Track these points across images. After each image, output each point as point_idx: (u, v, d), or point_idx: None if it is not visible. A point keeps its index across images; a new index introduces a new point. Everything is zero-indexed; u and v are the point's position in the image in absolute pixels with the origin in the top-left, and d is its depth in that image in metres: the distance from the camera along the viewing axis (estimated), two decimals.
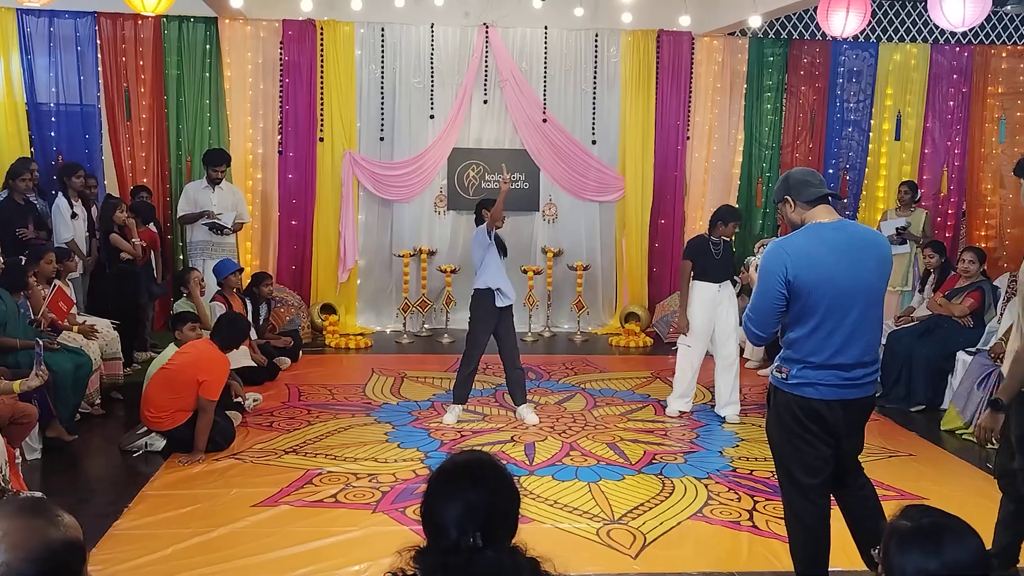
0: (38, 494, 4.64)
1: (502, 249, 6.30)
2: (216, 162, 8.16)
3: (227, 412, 5.95)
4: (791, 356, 3.41)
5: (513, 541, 1.91)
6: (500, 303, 6.20)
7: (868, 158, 9.79)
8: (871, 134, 9.77)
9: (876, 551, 1.97)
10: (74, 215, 7.44)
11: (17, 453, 4.86)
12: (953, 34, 9.21)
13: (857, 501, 3.63)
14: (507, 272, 9.55)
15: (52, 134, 8.77)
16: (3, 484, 4.35)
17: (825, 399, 3.36)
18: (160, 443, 5.52)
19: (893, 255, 4.19)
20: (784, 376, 3.42)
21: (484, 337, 6.26)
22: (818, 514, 3.49)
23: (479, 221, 6.32)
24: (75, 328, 6.44)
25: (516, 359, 6.36)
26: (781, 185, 3.52)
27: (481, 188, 9.55)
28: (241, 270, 7.58)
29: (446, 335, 9.15)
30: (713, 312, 6.44)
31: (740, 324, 6.42)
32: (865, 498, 3.63)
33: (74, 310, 6.68)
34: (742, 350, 8.10)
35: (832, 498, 3.59)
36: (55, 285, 6.45)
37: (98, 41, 8.78)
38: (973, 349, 6.71)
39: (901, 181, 9.08)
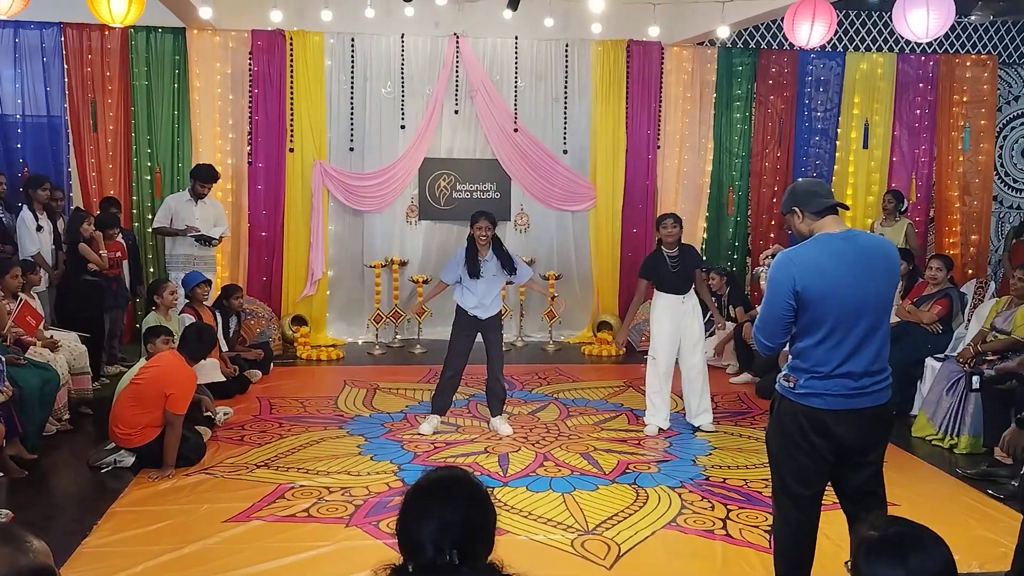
0: (5, 512, 4.56)
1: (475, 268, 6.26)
2: (206, 179, 8.06)
3: (197, 427, 5.88)
4: (799, 365, 3.40)
5: (490, 557, 1.91)
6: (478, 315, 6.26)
7: (836, 166, 9.92)
8: (839, 142, 9.90)
9: (847, 564, 1.99)
10: (39, 228, 7.34)
11: None
12: (919, 44, 9.36)
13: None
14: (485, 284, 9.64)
15: (18, 146, 8.67)
16: None
17: (833, 409, 3.34)
18: (129, 459, 5.43)
19: None
20: (791, 385, 3.41)
21: (458, 345, 6.31)
22: (807, 524, 3.50)
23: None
24: (39, 343, 6.34)
25: (496, 370, 6.38)
26: (788, 197, 3.51)
27: (452, 198, 9.55)
28: (209, 282, 7.50)
29: (418, 346, 9.12)
30: (678, 323, 6.39)
31: (706, 335, 6.52)
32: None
33: (42, 325, 6.58)
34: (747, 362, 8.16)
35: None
36: (21, 299, 6.35)
37: (64, 52, 8.69)
38: (942, 355, 6.80)
39: (885, 191, 9.20)
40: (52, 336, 6.54)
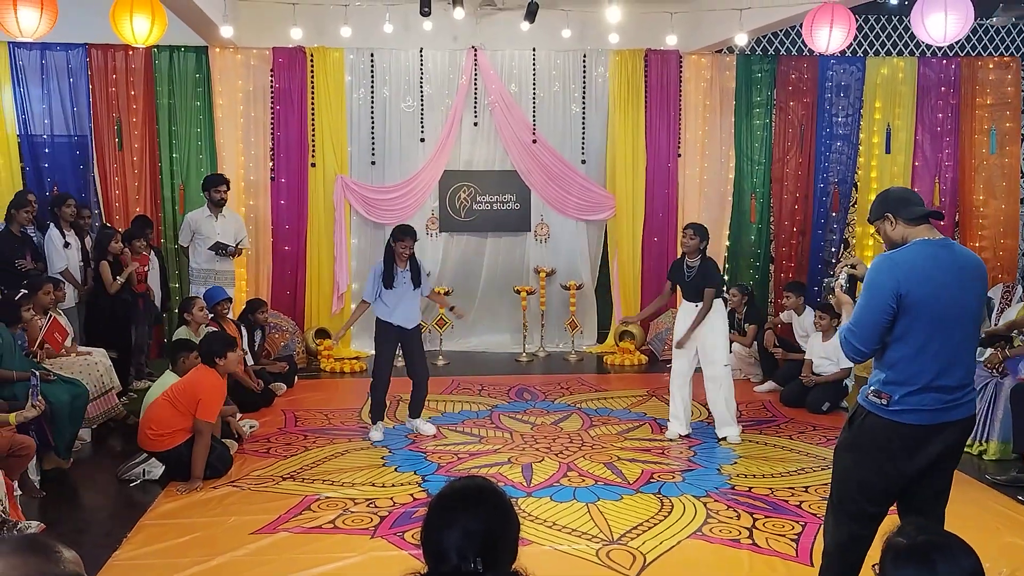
0: (36, 523, 4.63)
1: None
2: (216, 183, 8.16)
3: (224, 440, 5.94)
4: (893, 379, 3.26)
5: (513, 566, 1.92)
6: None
7: (859, 172, 9.86)
8: (861, 147, 9.84)
9: (875, 568, 1.98)
10: (67, 245, 7.45)
11: (16, 485, 4.83)
12: (940, 47, 9.29)
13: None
14: (501, 293, 9.67)
15: (45, 165, 8.80)
16: (3, 515, 4.34)
17: (931, 424, 3.24)
18: (158, 471, 5.50)
19: None
20: (885, 402, 3.27)
21: (384, 357, 6.53)
22: (866, 541, 3.40)
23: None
24: (74, 354, 6.46)
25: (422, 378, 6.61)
26: (880, 204, 3.40)
27: (473, 210, 9.59)
28: (230, 300, 7.57)
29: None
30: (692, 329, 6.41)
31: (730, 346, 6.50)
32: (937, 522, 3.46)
33: (69, 340, 6.68)
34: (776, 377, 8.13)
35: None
36: (51, 316, 6.45)
37: (89, 72, 8.82)
38: None
39: None
40: (78, 352, 6.65)
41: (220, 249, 8.07)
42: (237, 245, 8.28)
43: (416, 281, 6.44)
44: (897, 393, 3.23)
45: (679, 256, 6.62)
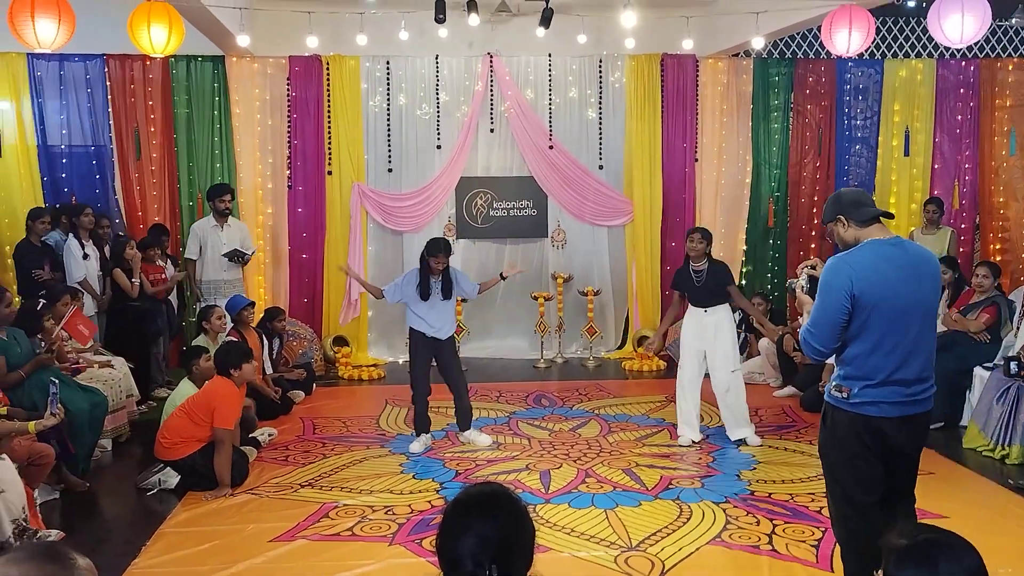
0: (56, 532, 4.66)
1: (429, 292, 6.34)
2: (220, 193, 8.23)
3: (242, 448, 5.96)
4: (852, 374, 3.40)
5: (529, 573, 1.91)
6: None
7: (878, 175, 9.78)
8: (880, 150, 9.77)
9: (877, 571, 1.96)
10: (85, 255, 7.51)
11: (36, 494, 4.87)
12: (958, 48, 9.22)
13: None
14: (518, 299, 9.65)
15: (64, 175, 8.87)
16: (23, 524, 4.37)
17: (888, 416, 3.38)
18: (173, 480, 5.52)
19: None
20: (845, 396, 3.42)
21: (419, 369, 6.43)
22: (874, 529, 3.49)
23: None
24: (96, 365, 6.51)
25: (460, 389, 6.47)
26: (832, 206, 3.52)
27: (490, 216, 9.60)
28: (253, 304, 7.62)
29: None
30: (699, 336, 6.38)
31: (737, 349, 6.46)
32: (907, 517, 3.62)
33: (94, 338, 6.74)
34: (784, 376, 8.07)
35: None
36: (72, 307, 6.49)
37: (107, 83, 8.90)
38: (990, 364, 6.65)
39: (927, 199, 9.05)
40: (99, 360, 6.69)
41: (237, 257, 8.12)
42: (251, 253, 8.34)
43: (446, 292, 6.32)
44: (856, 387, 3.39)
45: (683, 263, 6.57)
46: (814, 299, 3.48)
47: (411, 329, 6.40)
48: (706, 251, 6.37)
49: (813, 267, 3.73)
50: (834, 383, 3.49)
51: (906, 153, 9.72)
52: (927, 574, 1.81)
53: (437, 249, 6.26)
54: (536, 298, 9.43)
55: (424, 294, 6.25)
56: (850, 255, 3.40)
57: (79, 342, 6.57)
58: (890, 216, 3.56)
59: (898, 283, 3.32)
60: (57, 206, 8.21)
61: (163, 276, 7.95)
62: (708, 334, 6.34)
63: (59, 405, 4.82)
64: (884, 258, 3.35)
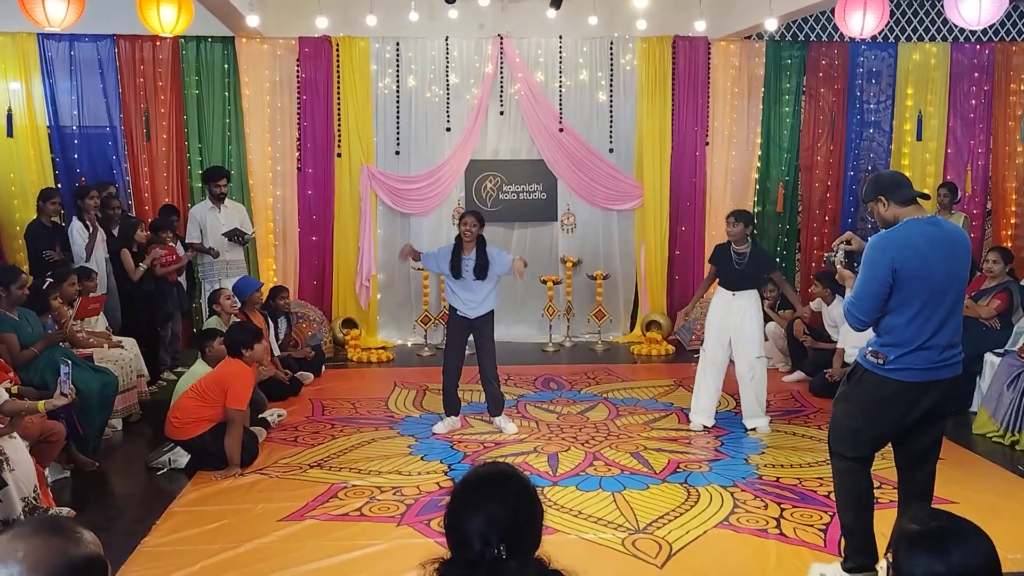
0: (67, 510, 4.69)
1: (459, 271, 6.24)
2: (216, 177, 8.23)
3: (252, 428, 5.99)
4: (890, 342, 3.70)
5: (537, 553, 1.90)
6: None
7: (890, 159, 9.71)
8: (892, 135, 9.70)
9: (888, 554, 1.95)
10: (90, 236, 7.52)
11: (46, 472, 4.91)
12: (973, 32, 9.12)
13: (917, 492, 3.91)
14: (527, 282, 9.62)
15: (75, 156, 8.88)
16: (34, 502, 4.40)
17: (920, 381, 3.67)
18: (183, 460, 5.56)
19: None
20: (881, 362, 3.71)
21: (453, 346, 6.38)
22: (868, 475, 3.92)
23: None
24: (106, 345, 6.54)
25: (488, 373, 6.37)
26: (873, 186, 3.80)
27: (499, 199, 9.57)
28: (261, 286, 7.63)
29: (467, 347, 9.12)
30: (725, 319, 6.29)
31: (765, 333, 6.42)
32: (923, 494, 3.91)
33: (103, 322, 6.76)
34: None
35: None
36: (79, 300, 6.54)
37: (118, 63, 8.88)
38: (1001, 351, 6.61)
39: (939, 184, 8.98)
40: (109, 341, 6.73)
41: (236, 236, 8.13)
42: (250, 234, 8.36)
43: (480, 272, 6.13)
44: (893, 354, 3.68)
45: (725, 242, 6.44)
46: (853, 272, 3.82)
47: (449, 304, 6.38)
48: (746, 233, 6.26)
49: (848, 242, 4.05)
50: (870, 349, 3.77)
51: (919, 138, 9.64)
52: (939, 561, 1.80)
53: (467, 213, 6.25)
54: (545, 282, 9.41)
55: (455, 271, 6.17)
56: (891, 233, 3.67)
57: (94, 316, 6.61)
58: (926, 197, 3.84)
59: (935, 259, 3.59)
60: (77, 185, 8.22)
61: (175, 257, 7.96)
62: (736, 319, 6.26)
63: (71, 386, 4.84)
64: (922, 236, 3.62)
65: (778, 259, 9.75)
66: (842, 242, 4.09)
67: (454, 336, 6.37)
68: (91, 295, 6.84)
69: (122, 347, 6.72)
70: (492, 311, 6.33)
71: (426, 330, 9.30)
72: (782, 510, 4.88)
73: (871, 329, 3.83)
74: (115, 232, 7.80)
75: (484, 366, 6.35)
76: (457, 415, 6.42)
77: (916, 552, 1.83)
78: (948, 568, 1.79)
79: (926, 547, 1.82)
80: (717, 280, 6.46)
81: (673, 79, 9.45)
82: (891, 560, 1.91)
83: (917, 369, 3.65)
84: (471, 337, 6.37)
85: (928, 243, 3.61)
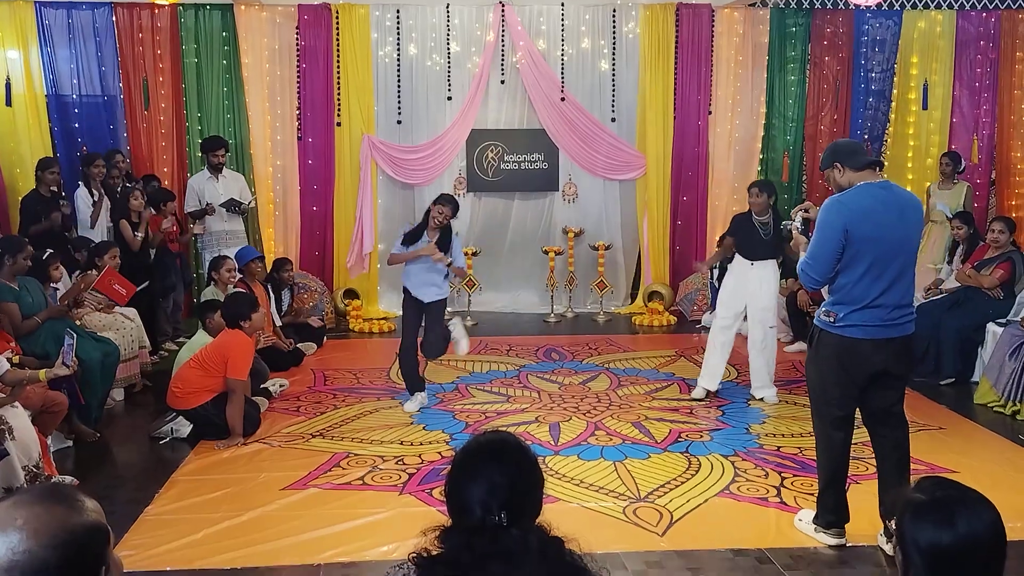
0: (70, 478, 4.71)
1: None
2: (214, 147, 8.18)
3: (254, 398, 6.00)
4: (839, 300, 3.87)
5: (538, 520, 1.90)
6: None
7: (894, 128, 9.64)
8: (897, 104, 9.61)
9: (891, 523, 1.94)
10: (95, 204, 7.49)
11: (49, 441, 4.92)
12: None
13: (889, 446, 4.06)
14: (528, 253, 9.57)
15: (76, 125, 8.81)
16: (36, 471, 4.42)
17: (870, 338, 3.83)
18: (186, 429, 5.58)
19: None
20: (832, 320, 3.89)
21: (407, 325, 6.25)
22: (844, 441, 4.07)
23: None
24: (104, 310, 6.53)
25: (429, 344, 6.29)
26: (829, 154, 3.98)
27: (500, 169, 9.51)
28: (262, 257, 7.61)
29: (469, 318, 9.14)
30: (741, 287, 6.28)
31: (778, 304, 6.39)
32: (897, 443, 4.06)
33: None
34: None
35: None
36: (106, 266, 6.50)
37: (116, 31, 8.79)
38: (1004, 320, 6.60)
39: (942, 152, 8.91)
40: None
41: (233, 206, 8.10)
42: (248, 203, 8.32)
43: (442, 247, 6.07)
44: (843, 311, 3.86)
45: (745, 214, 6.42)
46: (808, 239, 3.99)
47: (403, 286, 6.25)
48: (768, 204, 6.24)
49: (807, 211, 4.29)
50: (823, 309, 3.96)
51: (924, 107, 9.55)
52: (945, 530, 1.79)
53: (445, 200, 6.12)
54: (546, 252, 9.38)
55: (410, 239, 6.09)
56: (844, 195, 3.85)
57: (117, 302, 6.56)
58: (881, 164, 4.08)
59: (886, 221, 3.77)
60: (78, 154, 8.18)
61: (175, 228, 7.94)
62: (753, 288, 6.26)
63: (74, 358, 4.84)
64: (874, 198, 3.80)
65: (783, 231, 9.70)
66: (800, 210, 4.30)
67: (409, 318, 6.24)
68: (117, 273, 6.75)
69: (127, 317, 6.70)
70: (443, 300, 6.26)
71: None
72: (783, 479, 4.90)
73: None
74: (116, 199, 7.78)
75: (427, 350, 6.26)
76: (423, 391, 6.30)
77: (921, 521, 1.82)
78: (954, 537, 1.78)
79: (932, 516, 1.81)
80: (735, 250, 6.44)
81: (676, 47, 9.35)
82: (894, 529, 1.90)
83: (867, 326, 3.81)
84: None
85: (881, 205, 3.78)
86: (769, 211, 6.24)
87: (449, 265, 6.09)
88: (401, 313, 6.49)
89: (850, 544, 4.07)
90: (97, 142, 8.74)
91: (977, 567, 1.77)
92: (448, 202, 6.11)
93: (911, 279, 3.92)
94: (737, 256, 6.38)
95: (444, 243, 6.08)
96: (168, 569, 3.91)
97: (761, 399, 6.34)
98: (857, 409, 4.09)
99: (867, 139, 9.57)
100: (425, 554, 1.84)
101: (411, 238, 6.13)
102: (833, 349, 3.90)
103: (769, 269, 6.29)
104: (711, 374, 6.44)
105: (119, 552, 3.95)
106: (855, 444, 4.23)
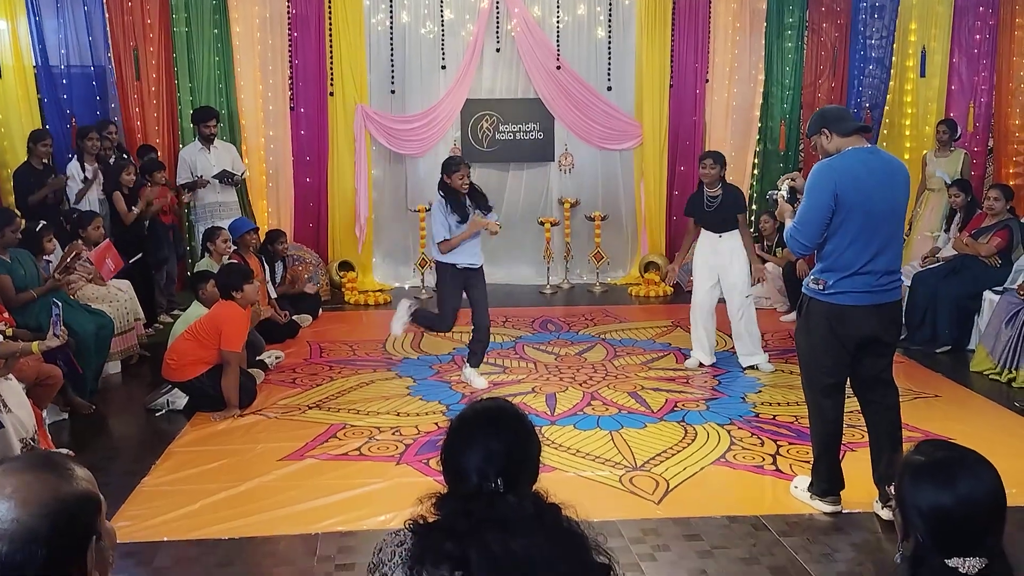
0: (66, 451, 4.70)
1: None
2: (205, 118, 8.09)
3: (250, 370, 5.99)
4: (828, 267, 3.87)
5: (535, 488, 1.89)
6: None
7: (892, 96, 9.57)
8: (895, 71, 9.53)
9: (890, 488, 1.93)
10: (85, 179, 7.43)
11: (44, 414, 4.91)
12: None
13: (880, 413, 4.06)
14: (524, 224, 9.52)
15: (65, 96, 8.70)
16: (32, 444, 4.40)
17: (859, 305, 3.83)
18: (181, 401, 5.57)
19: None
20: (821, 287, 3.89)
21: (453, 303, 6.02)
22: (834, 408, 4.06)
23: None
24: (94, 281, 6.49)
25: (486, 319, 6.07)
26: (816, 120, 3.95)
27: (496, 139, 9.44)
28: (256, 229, 7.57)
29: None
30: (712, 260, 6.30)
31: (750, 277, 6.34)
32: (887, 409, 4.06)
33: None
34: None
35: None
36: (106, 240, 6.47)
37: (104, 1, 8.66)
38: (1000, 288, 6.59)
39: (939, 120, 8.85)
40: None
41: (226, 177, 8.03)
42: (241, 175, 8.26)
43: (485, 208, 5.90)
44: (832, 279, 3.85)
45: (697, 188, 6.44)
46: (794, 208, 4.00)
47: (437, 262, 5.97)
48: (720, 175, 6.22)
49: (793, 179, 4.24)
50: (812, 277, 3.95)
51: (922, 74, 9.48)
52: (945, 492, 1.78)
53: (456, 164, 5.84)
54: (543, 223, 9.34)
55: (463, 215, 5.81)
56: (834, 160, 3.83)
57: (103, 276, 6.54)
58: (868, 129, 4.04)
59: (874, 186, 3.77)
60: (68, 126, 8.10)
61: (173, 199, 7.90)
62: (723, 260, 6.26)
63: (62, 327, 4.82)
64: (862, 163, 3.79)
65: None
66: (787, 178, 4.26)
67: (453, 296, 5.96)
68: (113, 248, 6.72)
69: (120, 289, 6.66)
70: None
71: (423, 273, 9.25)
72: (778, 447, 4.92)
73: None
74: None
75: (483, 319, 6.03)
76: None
77: (921, 483, 1.81)
78: (954, 499, 1.77)
79: (931, 478, 1.80)
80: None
81: (673, 13, 9.24)
82: (893, 492, 1.89)
83: (856, 292, 3.82)
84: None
85: (868, 170, 3.78)
86: (719, 184, 6.21)
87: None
88: (439, 293, 6.16)
89: (845, 511, 4.09)
90: (87, 114, 8.64)
91: (978, 528, 1.77)
92: (459, 164, 5.85)
93: (899, 245, 3.95)
94: (703, 231, 6.36)
95: (483, 205, 5.91)
96: (165, 539, 3.91)
97: (754, 367, 6.35)
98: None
99: (868, 107, 9.51)
100: (422, 521, 1.84)
101: (462, 211, 5.80)
102: (823, 317, 3.90)
103: (737, 240, 6.27)
104: (701, 347, 6.46)
105: (116, 523, 3.95)
106: (849, 412, 4.24)
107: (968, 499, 1.77)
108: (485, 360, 6.33)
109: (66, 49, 8.64)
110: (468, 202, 5.88)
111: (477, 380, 6.06)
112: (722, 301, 6.43)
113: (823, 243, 3.86)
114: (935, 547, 1.77)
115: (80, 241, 6.35)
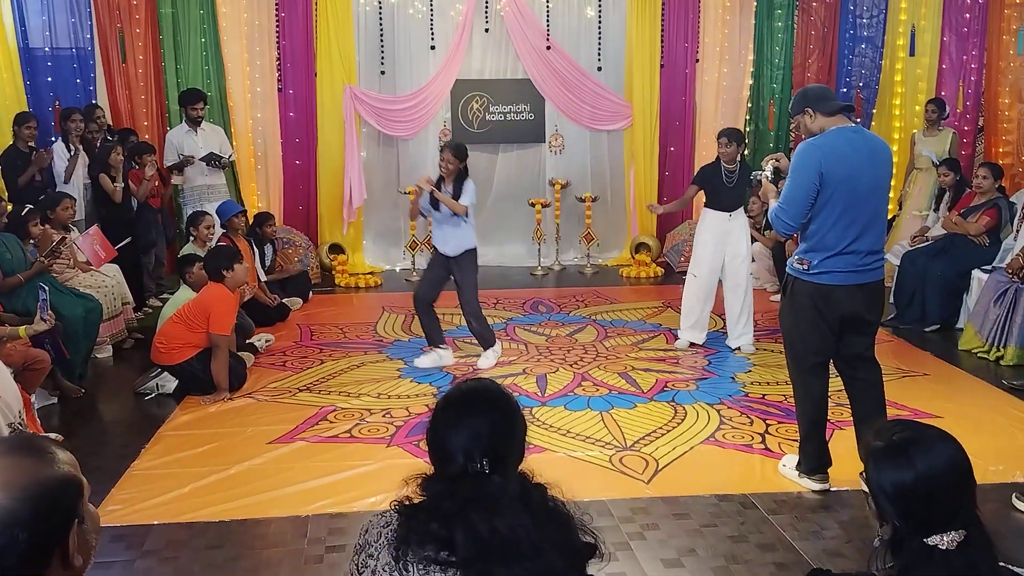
0: (55, 435, 4.69)
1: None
2: (192, 100, 8.02)
3: (240, 353, 5.97)
4: (813, 247, 3.88)
5: (521, 468, 1.89)
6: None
7: (882, 75, 9.55)
8: (885, 50, 9.51)
9: (862, 474, 1.96)
10: (70, 160, 7.37)
11: (33, 399, 4.89)
12: None
13: (865, 390, 4.10)
14: (515, 205, 9.50)
15: (48, 79, 8.59)
16: (20, 427, 4.39)
17: (843, 284, 3.85)
18: (171, 385, 5.55)
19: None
20: (805, 267, 3.91)
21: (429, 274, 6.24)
22: (821, 387, 4.10)
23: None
24: (80, 266, 6.45)
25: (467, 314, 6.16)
26: (799, 99, 3.95)
27: (486, 120, 9.40)
28: (244, 211, 7.52)
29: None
30: (722, 241, 6.27)
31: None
32: (871, 385, 4.09)
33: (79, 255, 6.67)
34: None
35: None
36: (94, 226, 6.44)
37: None
38: (989, 267, 6.62)
39: (928, 99, 8.84)
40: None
41: (214, 160, 7.97)
42: (228, 157, 8.21)
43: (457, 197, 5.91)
44: (816, 259, 3.87)
45: (713, 162, 6.36)
46: (777, 189, 4.03)
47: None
48: (738, 152, 6.20)
49: (778, 160, 4.27)
50: (796, 257, 3.97)
51: (911, 53, 9.46)
52: (905, 471, 1.81)
53: (442, 149, 6.01)
54: (533, 205, 9.32)
55: (433, 202, 5.92)
56: (819, 139, 3.83)
57: (92, 263, 6.49)
58: (851, 109, 4.04)
59: (858, 165, 3.77)
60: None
61: (159, 184, 7.84)
62: (731, 238, 6.26)
63: (49, 311, 4.79)
64: (847, 142, 3.80)
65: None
66: (771, 159, 4.28)
67: (431, 274, 6.17)
68: (102, 235, 6.68)
69: (104, 274, 6.63)
70: (470, 250, 6.05)
71: (414, 255, 9.23)
72: (767, 426, 4.94)
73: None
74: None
75: (464, 307, 6.11)
76: (441, 346, 6.14)
77: (882, 467, 1.84)
78: (915, 476, 1.79)
79: (891, 460, 1.84)
80: (704, 203, 6.40)
81: None
82: (864, 481, 1.92)
83: (840, 272, 3.83)
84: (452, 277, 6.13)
85: (852, 149, 3.78)
86: (737, 161, 6.20)
87: (432, 193, 5.86)
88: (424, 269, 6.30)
89: (834, 488, 4.12)
90: (70, 96, 8.55)
91: (946, 502, 1.78)
92: (445, 148, 6.02)
93: (883, 225, 3.96)
94: (710, 211, 6.32)
95: (458, 190, 5.93)
96: (156, 523, 3.91)
97: (739, 348, 6.37)
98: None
99: (859, 87, 9.49)
100: (407, 502, 1.84)
101: (433, 202, 5.93)
102: (808, 297, 3.91)
103: (743, 219, 6.33)
104: (698, 325, 6.46)
105: (105, 507, 3.97)
106: (836, 391, 4.26)
107: (928, 474, 1.79)
108: (472, 342, 6.33)
109: (50, 30, 8.52)
110: (443, 186, 5.92)
111: (480, 360, 6.14)
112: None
113: (807, 223, 3.87)
114: (910, 528, 1.79)
115: (48, 226, 6.22)
